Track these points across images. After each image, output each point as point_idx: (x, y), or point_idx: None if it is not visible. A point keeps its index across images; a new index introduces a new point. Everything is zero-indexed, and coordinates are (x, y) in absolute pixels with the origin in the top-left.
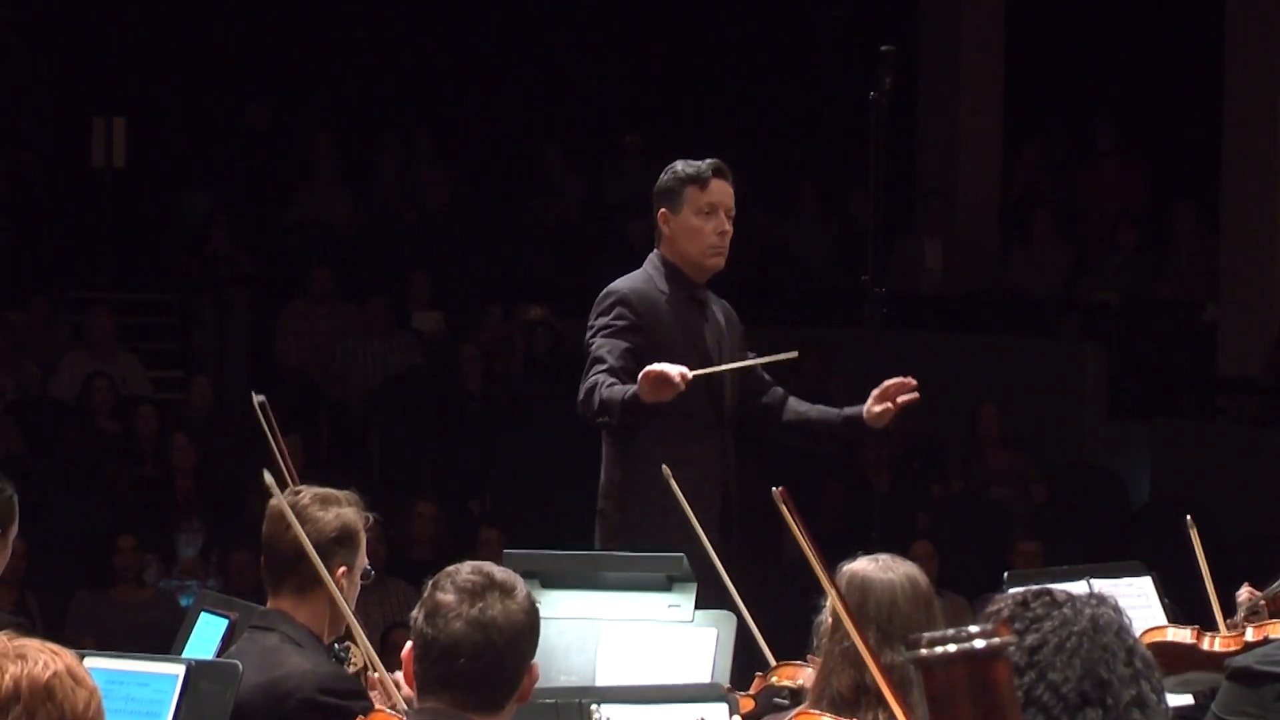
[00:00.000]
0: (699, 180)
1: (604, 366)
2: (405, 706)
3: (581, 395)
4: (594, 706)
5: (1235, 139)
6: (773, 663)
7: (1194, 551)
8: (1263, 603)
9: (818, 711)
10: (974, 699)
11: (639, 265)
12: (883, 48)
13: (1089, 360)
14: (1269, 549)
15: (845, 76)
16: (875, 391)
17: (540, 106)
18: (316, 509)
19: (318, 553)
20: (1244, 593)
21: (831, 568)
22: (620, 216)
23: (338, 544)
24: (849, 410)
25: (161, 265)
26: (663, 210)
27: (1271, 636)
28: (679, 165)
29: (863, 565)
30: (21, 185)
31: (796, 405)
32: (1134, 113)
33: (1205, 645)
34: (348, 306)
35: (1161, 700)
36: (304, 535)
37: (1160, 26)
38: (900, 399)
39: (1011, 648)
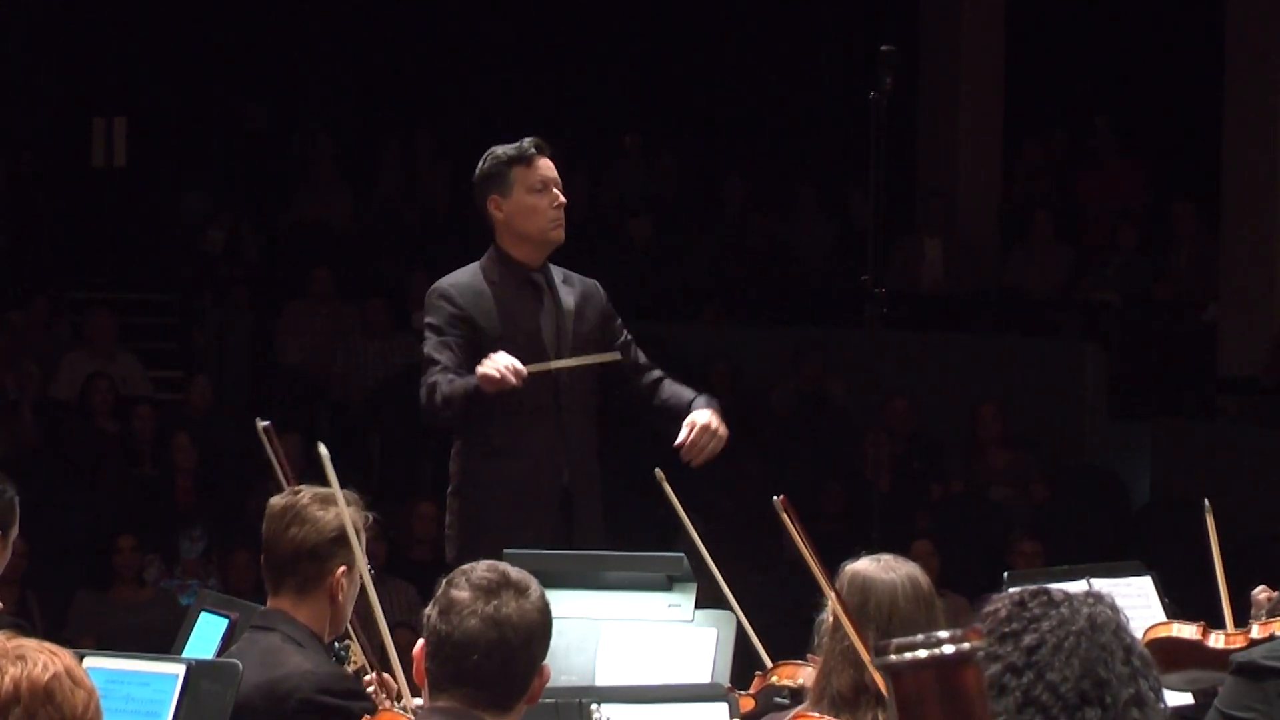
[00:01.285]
0: (524, 159)
1: (439, 366)
2: (410, 699)
3: (423, 398)
4: (594, 706)
5: (1235, 139)
6: (770, 657)
7: (1207, 543)
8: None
9: (817, 714)
10: (942, 704)
11: (639, 264)
12: (883, 48)
13: (1089, 360)
14: (1270, 549)
15: (845, 76)
16: (688, 425)
17: (540, 107)
18: (316, 508)
19: (318, 552)
20: (1262, 593)
21: (831, 568)
22: (620, 216)
23: (337, 544)
24: (693, 402)
25: (161, 265)
26: (493, 197)
27: (1278, 634)
28: (498, 150)
29: (864, 565)
30: (21, 185)
31: (668, 388)
32: (1134, 113)
33: (1211, 642)
34: (348, 306)
35: (1160, 698)
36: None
37: (1160, 27)
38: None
39: (981, 653)
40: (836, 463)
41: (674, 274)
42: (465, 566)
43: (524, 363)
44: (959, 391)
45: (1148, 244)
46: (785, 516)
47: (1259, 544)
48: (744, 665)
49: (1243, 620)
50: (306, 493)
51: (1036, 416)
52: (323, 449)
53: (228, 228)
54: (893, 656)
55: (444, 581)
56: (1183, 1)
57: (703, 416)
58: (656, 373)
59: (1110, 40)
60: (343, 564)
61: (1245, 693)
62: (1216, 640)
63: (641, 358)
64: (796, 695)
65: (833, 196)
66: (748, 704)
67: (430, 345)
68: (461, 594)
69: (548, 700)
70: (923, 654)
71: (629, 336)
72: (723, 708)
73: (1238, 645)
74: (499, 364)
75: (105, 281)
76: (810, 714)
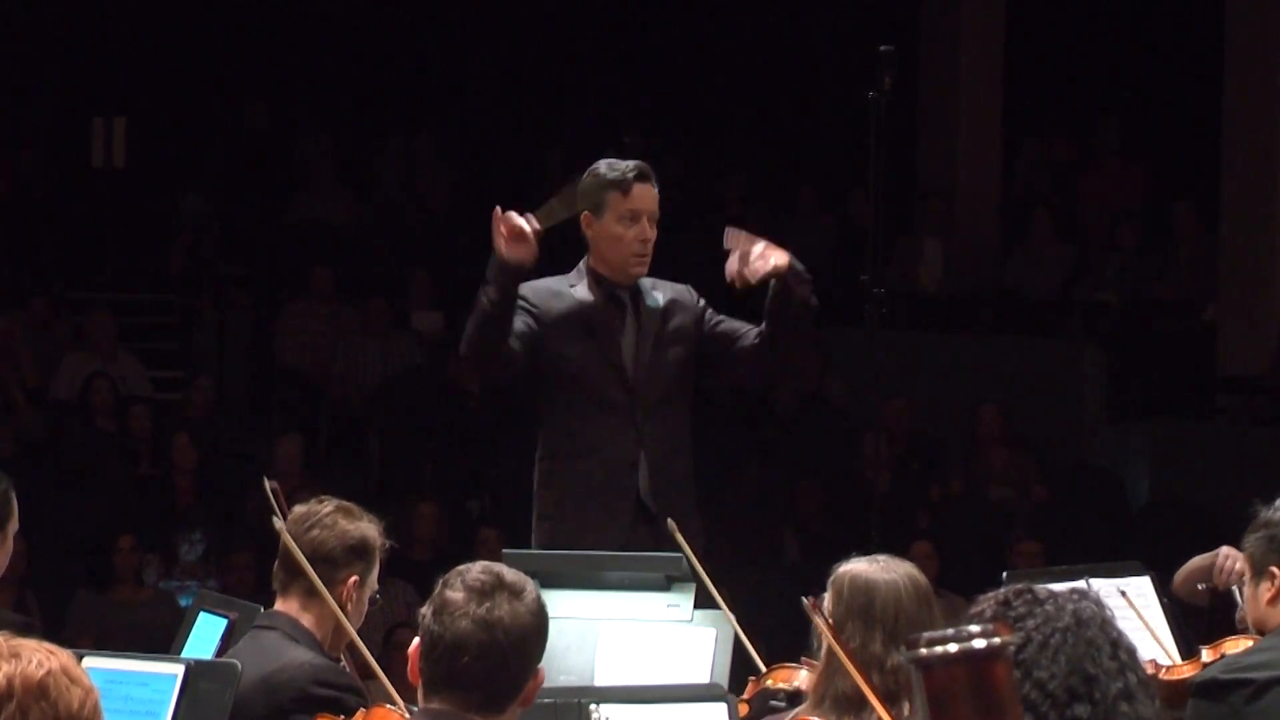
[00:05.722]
0: (621, 185)
1: None
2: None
3: (463, 345)
4: (593, 706)
5: (1235, 139)
6: (766, 660)
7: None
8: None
9: (819, 716)
10: (973, 698)
11: None
12: (883, 48)
13: (1089, 360)
14: None
15: (845, 76)
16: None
17: (540, 106)
18: (340, 517)
19: (335, 558)
20: (1227, 560)
21: (831, 570)
22: None
23: (355, 554)
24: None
25: (161, 265)
26: (585, 214)
27: (1227, 653)
28: (601, 167)
29: (863, 567)
30: (21, 185)
31: (762, 327)
32: (1134, 113)
33: (1164, 675)
34: (348, 306)
35: (1148, 691)
36: (295, 548)
37: (1160, 27)
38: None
39: (1011, 647)
40: (836, 463)
41: (674, 274)
42: (461, 567)
43: (603, 385)
44: (959, 391)
45: (1148, 244)
46: (817, 619)
47: None
48: (738, 669)
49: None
50: (330, 503)
51: (1036, 416)
52: (269, 484)
53: (228, 228)
54: (923, 650)
55: (440, 582)
56: (1182, 1)
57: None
58: (750, 329)
59: (1110, 40)
60: (355, 575)
61: (1211, 711)
62: (1168, 673)
63: (739, 323)
64: (792, 698)
65: (833, 196)
66: (742, 709)
67: None
68: (455, 595)
69: (546, 700)
70: (954, 648)
71: (722, 317)
72: (722, 708)
73: (1189, 674)
74: (507, 217)
75: (105, 281)
76: (811, 717)
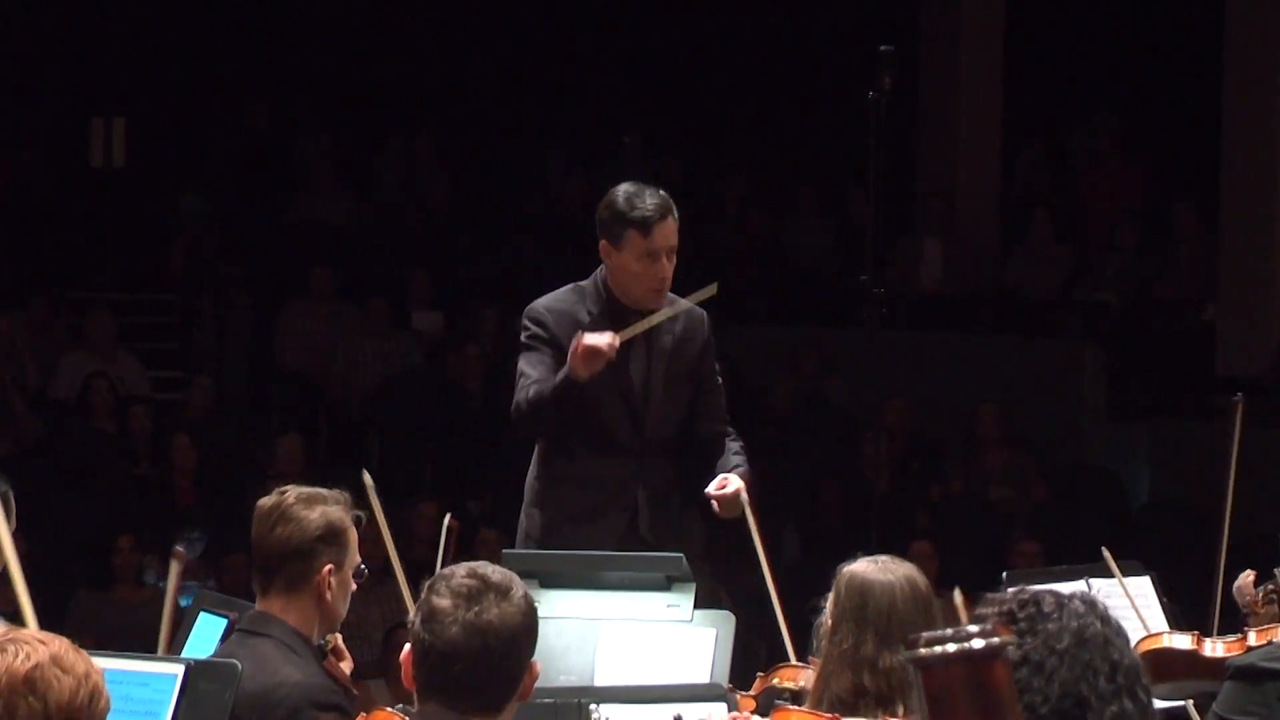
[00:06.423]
0: (642, 226)
1: (530, 379)
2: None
3: (515, 409)
4: (593, 706)
5: (1235, 139)
6: (774, 658)
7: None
8: (1270, 587)
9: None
10: (972, 698)
11: None
12: (882, 48)
13: (1089, 360)
14: (1270, 549)
15: (845, 76)
16: (720, 483)
17: (540, 106)
18: (301, 508)
19: (303, 551)
20: (1247, 577)
21: (831, 570)
22: None
23: (323, 541)
24: (736, 469)
25: (161, 265)
26: (604, 242)
27: (1275, 640)
28: (620, 198)
29: (862, 567)
30: (21, 185)
31: (723, 459)
32: (1134, 113)
33: (1206, 651)
34: (348, 306)
35: (1146, 715)
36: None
37: (1160, 26)
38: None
39: (1010, 647)
40: (835, 463)
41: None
42: (445, 571)
43: (613, 424)
44: (958, 391)
45: (1147, 244)
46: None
47: (1258, 544)
48: (744, 666)
49: (1231, 616)
50: (292, 492)
51: (1036, 416)
52: (367, 480)
53: (227, 228)
54: (922, 650)
55: (426, 586)
56: (1182, 1)
57: (735, 482)
58: (728, 432)
59: (1110, 40)
60: (329, 563)
61: (1244, 696)
62: (1213, 649)
63: (721, 403)
64: (797, 697)
65: (832, 196)
66: (748, 704)
67: (524, 361)
68: (442, 602)
69: (546, 700)
70: (952, 648)
71: (719, 381)
72: (722, 708)
73: (1235, 653)
74: (588, 341)
75: (105, 281)
76: (795, 710)
